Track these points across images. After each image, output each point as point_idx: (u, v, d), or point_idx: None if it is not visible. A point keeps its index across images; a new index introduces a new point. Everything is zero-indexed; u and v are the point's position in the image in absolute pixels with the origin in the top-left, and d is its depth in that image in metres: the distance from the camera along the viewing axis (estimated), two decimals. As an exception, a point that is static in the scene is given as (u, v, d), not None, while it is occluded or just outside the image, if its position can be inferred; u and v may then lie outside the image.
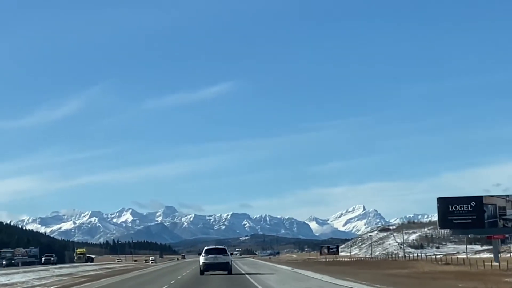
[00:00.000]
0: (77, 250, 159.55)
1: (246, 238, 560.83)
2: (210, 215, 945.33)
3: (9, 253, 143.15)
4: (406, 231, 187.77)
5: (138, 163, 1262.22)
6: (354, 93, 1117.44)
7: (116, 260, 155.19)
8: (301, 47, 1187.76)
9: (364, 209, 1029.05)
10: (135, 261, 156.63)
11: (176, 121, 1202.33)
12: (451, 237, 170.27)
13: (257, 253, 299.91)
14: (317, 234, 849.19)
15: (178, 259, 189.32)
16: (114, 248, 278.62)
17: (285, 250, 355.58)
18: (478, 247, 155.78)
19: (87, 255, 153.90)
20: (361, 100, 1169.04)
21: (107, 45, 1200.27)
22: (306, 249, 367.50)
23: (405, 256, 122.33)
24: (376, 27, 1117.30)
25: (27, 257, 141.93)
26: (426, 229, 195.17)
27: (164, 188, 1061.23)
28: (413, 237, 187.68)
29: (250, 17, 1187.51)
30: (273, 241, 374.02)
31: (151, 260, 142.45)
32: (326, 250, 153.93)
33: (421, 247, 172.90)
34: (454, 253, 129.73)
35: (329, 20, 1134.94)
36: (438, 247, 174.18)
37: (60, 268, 74.10)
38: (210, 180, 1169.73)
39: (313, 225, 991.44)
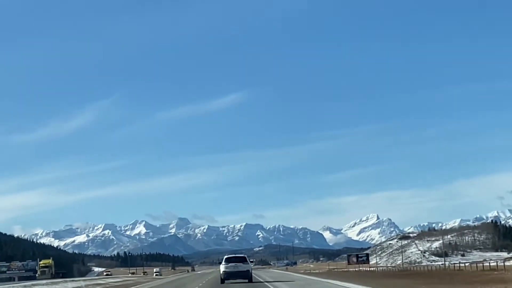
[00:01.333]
0: (41, 262, 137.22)
1: (260, 248, 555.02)
2: (224, 226, 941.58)
3: (4, 267, 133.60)
4: (428, 239, 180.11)
5: (151, 175, 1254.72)
6: (365, 102, 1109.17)
7: (129, 274, 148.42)
8: (311, 56, 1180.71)
9: (378, 218, 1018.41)
10: (145, 273, 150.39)
11: (188, 132, 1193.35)
12: (477, 244, 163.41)
13: (272, 263, 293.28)
14: (331, 244, 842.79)
15: (188, 271, 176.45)
16: (126, 260, 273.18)
17: (300, 260, 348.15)
18: (505, 254, 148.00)
19: (58, 271, 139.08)
20: (372, 109, 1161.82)
21: (118, 57, 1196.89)
22: (321, 258, 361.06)
23: (437, 266, 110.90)
24: (387, 34, 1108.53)
25: (23, 271, 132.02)
26: (449, 236, 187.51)
27: (177, 199, 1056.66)
28: (435, 244, 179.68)
29: (259, 26, 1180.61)
30: (288, 251, 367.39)
31: (155, 273, 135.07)
32: (354, 259, 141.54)
33: (446, 255, 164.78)
34: (481, 261, 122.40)
35: (338, 29, 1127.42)
36: (463, 255, 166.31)
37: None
38: (222, 191, 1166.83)
39: (326, 234, 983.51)
